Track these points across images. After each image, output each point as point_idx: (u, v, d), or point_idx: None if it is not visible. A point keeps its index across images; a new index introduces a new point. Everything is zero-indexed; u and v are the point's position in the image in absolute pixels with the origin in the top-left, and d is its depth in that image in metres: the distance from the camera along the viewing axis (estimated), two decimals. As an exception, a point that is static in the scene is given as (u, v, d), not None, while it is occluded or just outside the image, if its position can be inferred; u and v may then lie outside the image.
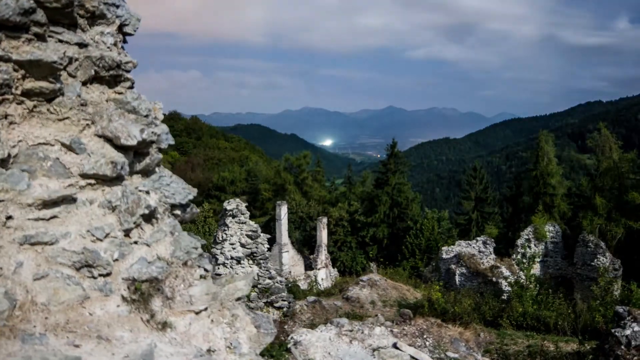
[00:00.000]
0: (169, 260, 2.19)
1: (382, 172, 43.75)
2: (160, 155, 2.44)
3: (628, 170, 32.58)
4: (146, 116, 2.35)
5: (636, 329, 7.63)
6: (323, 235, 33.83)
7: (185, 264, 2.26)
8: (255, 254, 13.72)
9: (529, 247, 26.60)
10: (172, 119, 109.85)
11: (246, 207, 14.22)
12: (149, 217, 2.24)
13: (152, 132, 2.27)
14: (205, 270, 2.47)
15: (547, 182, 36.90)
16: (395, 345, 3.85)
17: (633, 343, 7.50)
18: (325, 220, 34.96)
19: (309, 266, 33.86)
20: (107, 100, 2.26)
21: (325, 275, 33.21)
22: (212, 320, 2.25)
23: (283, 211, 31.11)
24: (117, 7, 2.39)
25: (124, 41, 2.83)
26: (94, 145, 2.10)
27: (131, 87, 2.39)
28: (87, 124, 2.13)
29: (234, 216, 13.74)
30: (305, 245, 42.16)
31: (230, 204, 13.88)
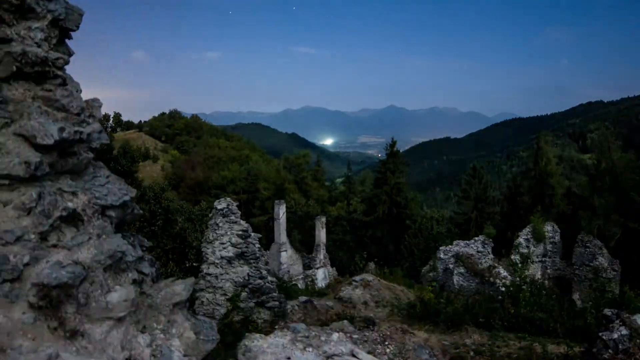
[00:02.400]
0: (89, 265, 2.09)
1: (381, 171, 43.63)
2: (91, 155, 2.32)
3: (627, 170, 32.38)
4: (77, 114, 2.24)
5: (624, 332, 7.51)
6: (322, 235, 33.72)
7: (108, 268, 2.15)
8: (246, 254, 13.60)
9: (527, 247, 26.47)
10: (172, 118, 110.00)
11: (237, 206, 14.11)
12: (71, 219, 2.13)
13: (77, 132, 2.16)
14: (143, 274, 2.36)
15: (547, 182, 36.77)
16: (352, 353, 3.77)
17: (620, 347, 7.39)
18: (324, 219, 34.86)
19: (307, 265, 33.78)
20: (33, 98, 2.14)
21: (323, 275, 33.14)
22: (144, 327, 2.15)
23: (281, 210, 31.02)
24: (50, 1, 2.28)
25: (66, 37, 2.72)
26: (11, 145, 1.98)
27: (62, 84, 2.27)
28: (6, 122, 2.02)
29: (224, 215, 13.63)
30: (304, 244, 42.08)
31: (221, 204, 13.75)
